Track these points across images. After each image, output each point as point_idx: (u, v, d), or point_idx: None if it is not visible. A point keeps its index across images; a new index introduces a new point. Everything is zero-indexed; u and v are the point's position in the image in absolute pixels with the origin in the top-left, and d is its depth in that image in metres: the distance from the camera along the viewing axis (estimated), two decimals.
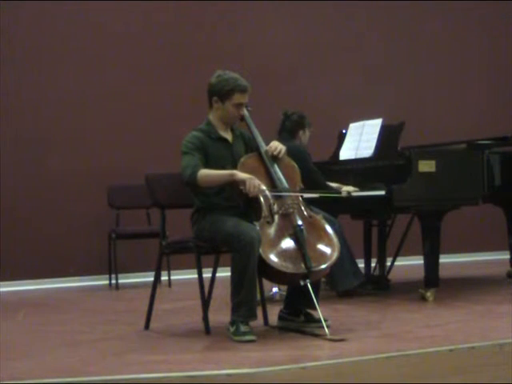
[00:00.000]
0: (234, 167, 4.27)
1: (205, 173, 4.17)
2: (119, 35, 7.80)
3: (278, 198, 4.24)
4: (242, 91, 4.30)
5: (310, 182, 5.28)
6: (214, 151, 4.31)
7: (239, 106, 4.32)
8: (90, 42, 7.69)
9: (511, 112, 8.86)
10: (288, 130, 5.74)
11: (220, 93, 4.30)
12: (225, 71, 4.38)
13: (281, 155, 4.37)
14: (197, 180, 4.15)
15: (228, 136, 4.41)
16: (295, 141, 5.69)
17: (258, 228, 4.08)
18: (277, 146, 4.38)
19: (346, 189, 5.53)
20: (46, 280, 7.33)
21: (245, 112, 4.39)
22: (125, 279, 7.30)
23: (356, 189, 5.53)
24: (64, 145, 7.55)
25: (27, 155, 7.42)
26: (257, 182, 4.12)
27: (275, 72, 8.12)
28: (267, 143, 4.44)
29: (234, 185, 4.19)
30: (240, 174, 4.15)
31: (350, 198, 5.48)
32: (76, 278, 7.46)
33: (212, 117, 4.40)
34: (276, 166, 4.34)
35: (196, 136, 4.32)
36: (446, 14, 9.01)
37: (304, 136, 5.80)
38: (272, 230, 4.14)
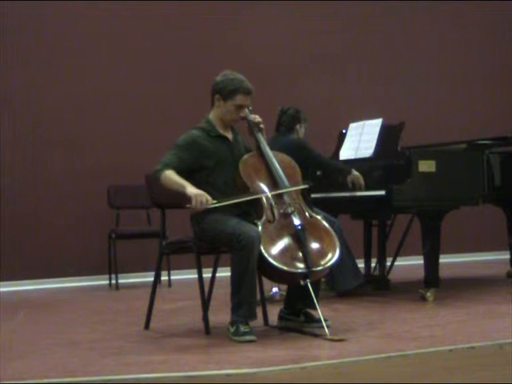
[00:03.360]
0: (235, 165, 4.28)
1: (168, 175, 4.15)
2: (120, 36, 7.79)
3: (279, 197, 4.25)
4: (246, 93, 4.30)
5: (319, 168, 5.30)
6: (213, 149, 4.31)
7: (240, 107, 4.32)
8: (91, 43, 7.69)
9: (511, 112, 8.86)
10: (285, 125, 5.75)
11: (223, 91, 4.30)
12: (232, 71, 4.38)
13: (257, 120, 4.37)
14: (160, 178, 4.18)
15: (228, 135, 4.41)
16: (293, 135, 5.71)
17: (258, 228, 4.09)
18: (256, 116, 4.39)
19: (356, 173, 5.56)
20: (46, 280, 7.33)
21: (246, 112, 4.39)
22: (125, 279, 7.30)
23: (361, 177, 5.53)
24: (64, 145, 7.55)
25: (27, 155, 7.42)
26: (204, 198, 4.05)
27: (275, 72, 8.12)
28: (267, 143, 4.46)
29: (238, 183, 4.21)
30: (189, 189, 4.08)
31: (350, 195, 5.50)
32: (76, 277, 7.46)
33: (212, 115, 4.41)
34: (277, 165, 4.34)
35: (192, 134, 4.32)
36: (446, 14, 9.01)
37: (301, 130, 5.80)
38: (273, 230, 4.14)
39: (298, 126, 5.77)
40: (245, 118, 4.40)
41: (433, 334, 4.13)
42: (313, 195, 5.60)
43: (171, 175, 4.16)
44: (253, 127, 4.40)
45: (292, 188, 4.33)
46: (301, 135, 5.80)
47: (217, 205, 4.12)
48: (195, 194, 4.06)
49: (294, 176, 4.43)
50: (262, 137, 4.42)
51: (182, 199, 4.12)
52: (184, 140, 4.29)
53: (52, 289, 7.21)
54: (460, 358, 3.52)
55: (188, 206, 4.07)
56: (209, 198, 4.08)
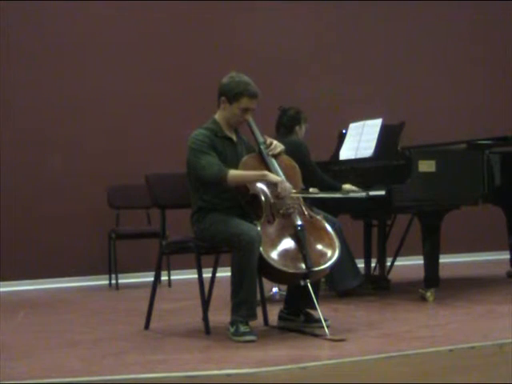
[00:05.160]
0: (237, 166, 4.28)
1: (234, 172, 4.20)
2: (119, 36, 7.79)
3: (278, 197, 4.25)
4: (251, 96, 4.29)
5: (308, 175, 5.30)
6: (221, 149, 4.32)
7: (246, 110, 4.32)
8: (90, 43, 7.69)
9: (511, 112, 8.86)
10: (285, 126, 5.75)
11: (229, 94, 4.30)
12: (239, 73, 4.37)
13: (276, 152, 4.37)
14: (227, 178, 4.17)
15: (233, 136, 4.42)
16: (293, 136, 5.70)
17: (258, 228, 4.09)
18: (272, 141, 4.42)
19: (348, 187, 5.53)
20: (46, 280, 7.32)
21: (248, 117, 4.39)
22: (125, 279, 7.30)
23: (356, 188, 5.52)
24: (64, 145, 7.54)
25: (27, 155, 7.41)
26: (288, 184, 4.20)
27: (275, 72, 8.12)
28: None
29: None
30: (273, 176, 4.20)
31: (350, 198, 5.48)
32: (76, 277, 7.45)
33: (218, 116, 4.41)
34: (277, 166, 4.35)
35: (205, 135, 4.31)
36: (446, 14, 9.01)
37: (300, 131, 5.79)
38: (273, 230, 4.14)
39: (297, 128, 5.76)
40: (246, 121, 4.40)
41: (433, 334, 4.13)
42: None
43: (238, 172, 4.24)
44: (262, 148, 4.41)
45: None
46: (301, 135, 5.79)
47: (297, 195, 4.25)
48: (281, 180, 4.21)
49: (294, 177, 4.43)
50: (261, 137, 4.42)
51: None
52: (204, 141, 4.27)
53: (52, 289, 7.21)
54: (460, 358, 3.52)
55: (275, 190, 4.18)
56: (290, 185, 4.21)
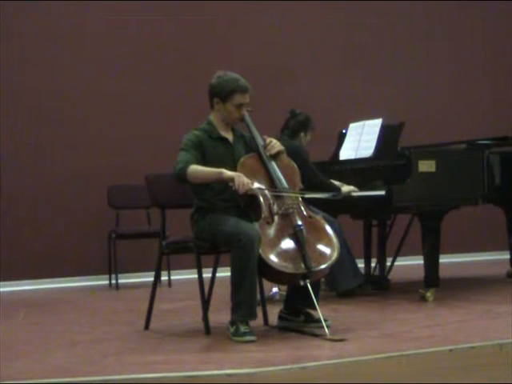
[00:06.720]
0: (235, 167, 4.27)
1: (195, 168, 4.16)
2: (118, 35, 7.79)
3: (277, 198, 4.24)
4: (243, 92, 4.30)
5: (309, 181, 5.29)
6: (214, 151, 4.31)
7: (240, 106, 4.32)
8: (90, 43, 7.69)
9: (511, 112, 8.86)
10: (291, 129, 5.72)
11: (221, 94, 4.30)
12: (225, 72, 4.37)
13: (273, 151, 4.35)
14: (186, 175, 4.14)
15: (229, 136, 4.41)
16: (296, 140, 5.68)
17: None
18: (272, 140, 4.39)
19: (347, 189, 5.52)
20: (46, 280, 7.33)
21: (244, 112, 4.38)
22: (125, 279, 7.30)
23: (356, 189, 5.53)
24: (64, 145, 7.54)
25: (27, 155, 7.42)
26: (245, 179, 4.12)
27: (275, 72, 8.12)
28: None
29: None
30: (227, 173, 4.14)
31: (349, 197, 5.47)
32: (76, 277, 7.46)
33: (213, 117, 4.41)
34: (275, 166, 4.34)
35: (196, 134, 4.32)
36: (446, 13, 9.00)
37: (305, 138, 5.78)
38: (272, 231, 4.14)
39: (302, 134, 5.74)
40: (243, 120, 4.39)
41: (433, 334, 4.13)
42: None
43: (199, 167, 4.17)
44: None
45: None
46: (305, 143, 5.76)
47: (256, 191, 4.15)
48: (237, 175, 4.12)
49: (293, 176, 4.42)
50: (260, 137, 4.41)
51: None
52: (191, 140, 4.29)
53: (52, 289, 7.21)
54: (460, 358, 3.52)
55: (231, 184, 4.11)
56: (248, 180, 4.12)
